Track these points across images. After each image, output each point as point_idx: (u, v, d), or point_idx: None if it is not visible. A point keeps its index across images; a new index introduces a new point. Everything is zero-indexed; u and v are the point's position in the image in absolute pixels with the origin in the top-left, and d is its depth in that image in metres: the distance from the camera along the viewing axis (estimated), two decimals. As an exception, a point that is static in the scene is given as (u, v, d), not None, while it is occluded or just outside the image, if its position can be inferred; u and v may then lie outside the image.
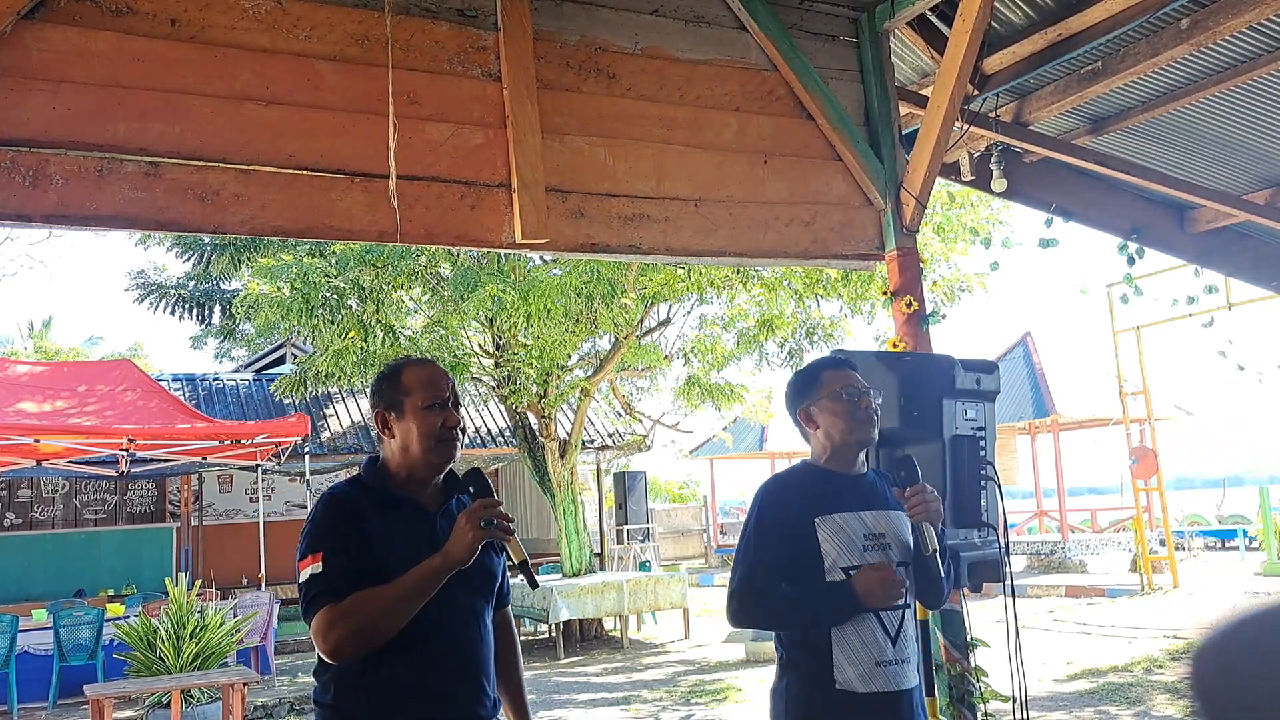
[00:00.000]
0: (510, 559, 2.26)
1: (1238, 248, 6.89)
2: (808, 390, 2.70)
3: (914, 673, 2.56)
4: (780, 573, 2.55)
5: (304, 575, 2.13)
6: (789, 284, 11.12)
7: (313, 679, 2.29)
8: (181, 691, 7.21)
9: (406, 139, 3.75)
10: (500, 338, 12.53)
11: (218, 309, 20.56)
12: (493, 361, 12.59)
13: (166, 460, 11.37)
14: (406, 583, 2.09)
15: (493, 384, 12.92)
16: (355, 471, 2.38)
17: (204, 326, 21.40)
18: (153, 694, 7.82)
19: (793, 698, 2.55)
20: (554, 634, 12.04)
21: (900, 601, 2.52)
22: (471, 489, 2.24)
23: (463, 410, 2.40)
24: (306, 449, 10.90)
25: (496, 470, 17.91)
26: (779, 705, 2.59)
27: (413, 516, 2.23)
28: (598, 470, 17.84)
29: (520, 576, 2.27)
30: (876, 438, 2.67)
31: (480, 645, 2.28)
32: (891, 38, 5.00)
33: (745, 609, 2.58)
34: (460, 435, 2.31)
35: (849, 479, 2.65)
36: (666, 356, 13.05)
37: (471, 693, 2.24)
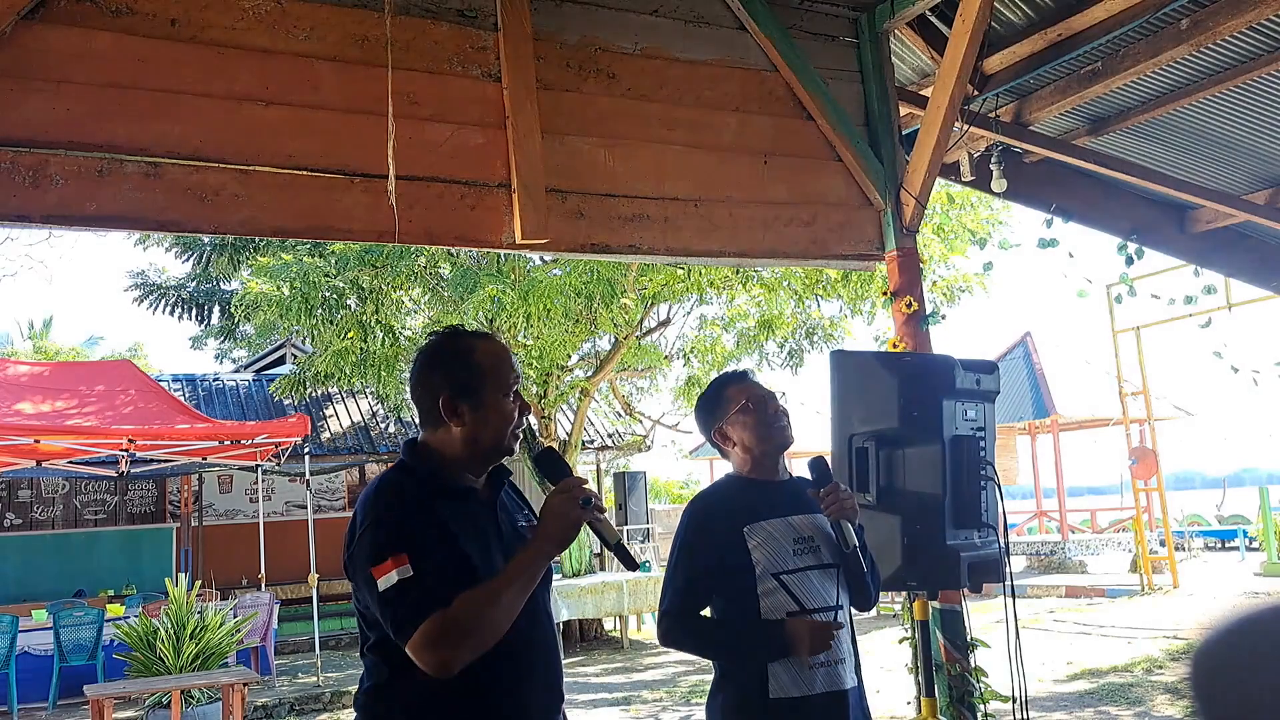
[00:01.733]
0: (605, 540, 2.01)
1: (1238, 248, 6.89)
2: (715, 409, 2.72)
3: (849, 673, 2.56)
4: (710, 587, 2.57)
5: (387, 583, 1.81)
6: (789, 284, 11.12)
7: (361, 710, 2.00)
8: (181, 692, 7.21)
9: (406, 139, 3.75)
10: (500, 338, 12.53)
11: (217, 309, 20.55)
12: (493, 362, 12.59)
13: (166, 460, 11.36)
14: (512, 575, 1.87)
15: (493, 384, 12.91)
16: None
17: (203, 327, 21.40)
18: (153, 694, 7.82)
19: (729, 710, 2.55)
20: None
21: (825, 593, 2.53)
22: (549, 470, 2.07)
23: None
24: (306, 449, 10.88)
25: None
26: (714, 715, 2.59)
27: (476, 509, 2.02)
28: (598, 470, 17.83)
29: (621, 562, 2.09)
30: (793, 439, 2.68)
31: (555, 647, 2.12)
32: (891, 38, 5.00)
33: (675, 633, 2.59)
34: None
35: (773, 486, 2.66)
36: (666, 357, 13.05)
37: (551, 697, 2.07)
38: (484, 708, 1.92)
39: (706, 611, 2.64)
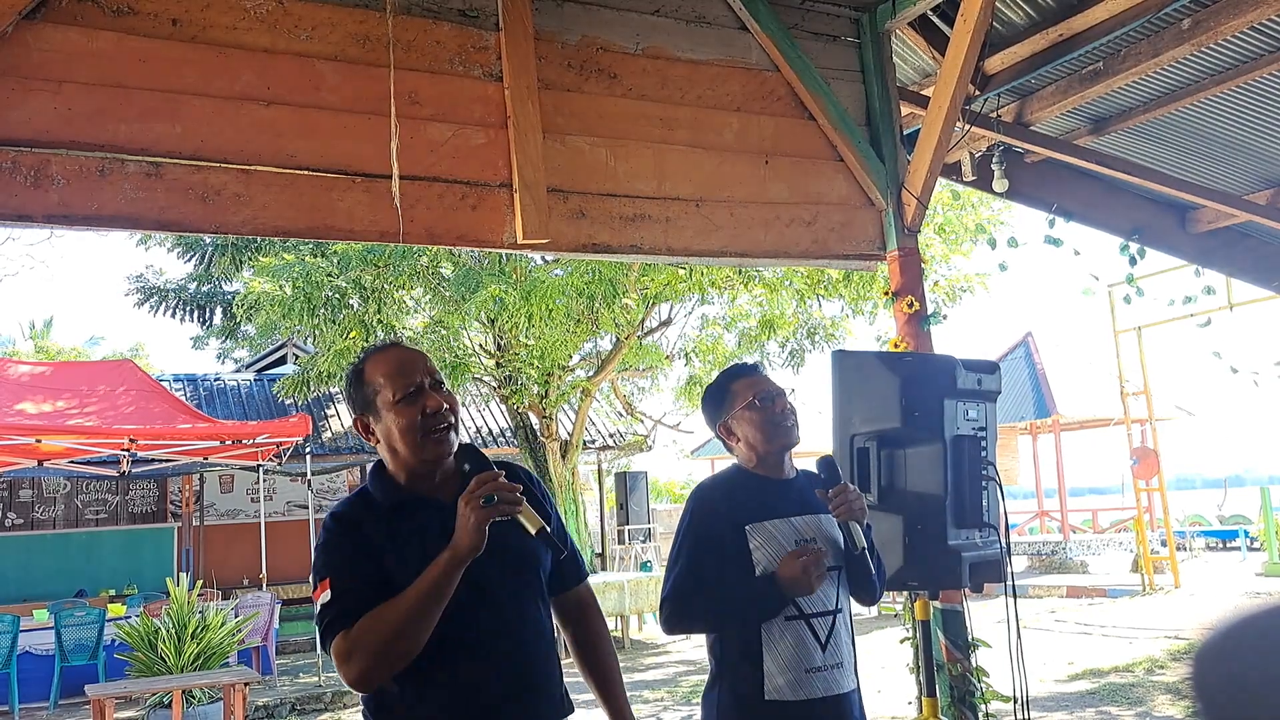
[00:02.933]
0: (527, 531, 1.95)
1: (1239, 248, 6.89)
2: (721, 404, 2.68)
3: (850, 678, 2.54)
4: (711, 577, 2.54)
5: (317, 605, 1.97)
6: (790, 284, 11.13)
7: (363, 705, 2.09)
8: (183, 692, 7.21)
9: (408, 139, 3.75)
10: (501, 338, 12.54)
11: (219, 310, 20.56)
12: (494, 362, 12.60)
13: (168, 460, 11.37)
14: (416, 590, 1.88)
15: (494, 384, 12.93)
16: (365, 469, 2.28)
17: (205, 328, 21.41)
18: (154, 694, 7.82)
19: (724, 708, 2.54)
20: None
21: (824, 596, 2.51)
22: (466, 466, 1.99)
23: (447, 388, 2.12)
24: (308, 449, 10.89)
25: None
26: (710, 715, 2.57)
27: (427, 517, 1.99)
28: (599, 470, 17.84)
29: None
30: (799, 439, 2.64)
31: (528, 643, 2.05)
32: (893, 38, 5.00)
33: (678, 615, 2.57)
34: (450, 418, 2.04)
35: (779, 484, 2.63)
36: (668, 356, 13.06)
37: (527, 694, 2.03)
38: (443, 702, 1.96)
39: None
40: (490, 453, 2.14)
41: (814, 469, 2.67)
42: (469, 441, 2.18)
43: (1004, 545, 3.43)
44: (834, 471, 2.59)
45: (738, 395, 2.65)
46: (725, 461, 2.82)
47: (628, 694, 2.32)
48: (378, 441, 2.08)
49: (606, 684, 2.25)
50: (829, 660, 2.50)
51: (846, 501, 2.51)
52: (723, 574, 2.53)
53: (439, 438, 2.02)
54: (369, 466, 2.22)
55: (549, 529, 1.97)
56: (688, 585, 2.53)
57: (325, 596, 1.94)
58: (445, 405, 2.04)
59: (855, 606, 2.71)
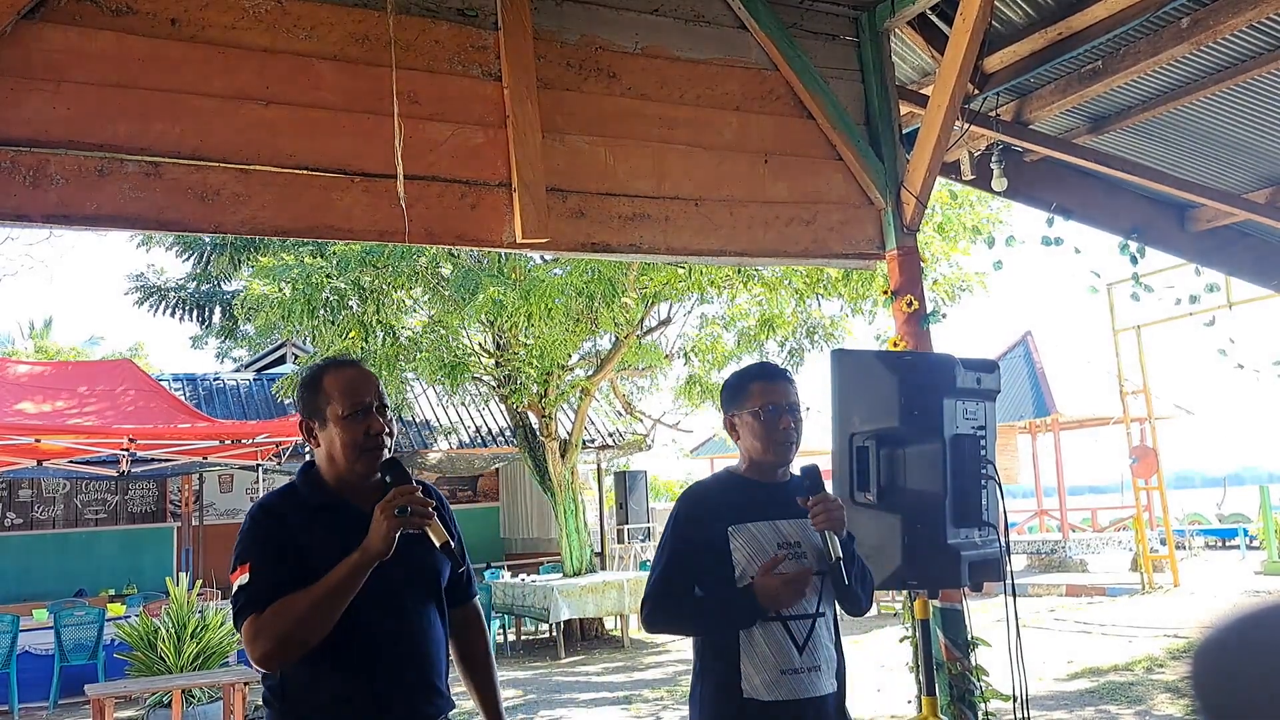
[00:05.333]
0: (433, 542, 2.17)
1: (1238, 246, 6.89)
2: (734, 399, 2.69)
3: (827, 681, 2.54)
4: (693, 578, 2.57)
5: (234, 586, 2.12)
6: (790, 283, 11.12)
7: (260, 682, 2.27)
8: (183, 691, 7.21)
9: (407, 138, 3.75)
10: (501, 337, 12.54)
11: (218, 309, 20.56)
12: (493, 361, 12.60)
13: (167, 460, 11.37)
14: (326, 584, 2.05)
15: (493, 383, 12.92)
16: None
17: (204, 327, 21.40)
18: (154, 694, 7.82)
19: (705, 704, 2.56)
20: (554, 633, 12.04)
21: (804, 601, 2.50)
22: (388, 478, 2.18)
23: (390, 412, 2.33)
24: (307, 449, 10.88)
25: (497, 470, 17.92)
26: (693, 711, 2.61)
27: (347, 521, 2.16)
28: (598, 470, 17.84)
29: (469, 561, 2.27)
30: (793, 458, 2.66)
31: (425, 643, 2.23)
32: (892, 37, 5.00)
33: (657, 614, 2.60)
34: (387, 441, 2.25)
35: (768, 487, 2.64)
36: (667, 356, 13.05)
37: (418, 691, 2.21)
38: (338, 694, 2.13)
39: None
40: (489, 452, 2.22)
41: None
42: (394, 456, 2.29)
43: (1003, 544, 3.44)
44: (816, 479, 2.59)
45: (751, 397, 2.64)
46: (724, 461, 2.83)
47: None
48: (318, 445, 2.26)
49: (486, 690, 2.45)
50: (806, 663, 2.50)
51: (825, 510, 2.50)
52: (702, 576, 2.55)
53: (373, 456, 2.22)
54: (299, 468, 2.37)
55: (451, 544, 2.18)
56: (667, 587, 2.57)
57: (243, 579, 2.10)
58: (386, 429, 2.25)
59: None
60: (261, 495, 2.29)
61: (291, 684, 2.15)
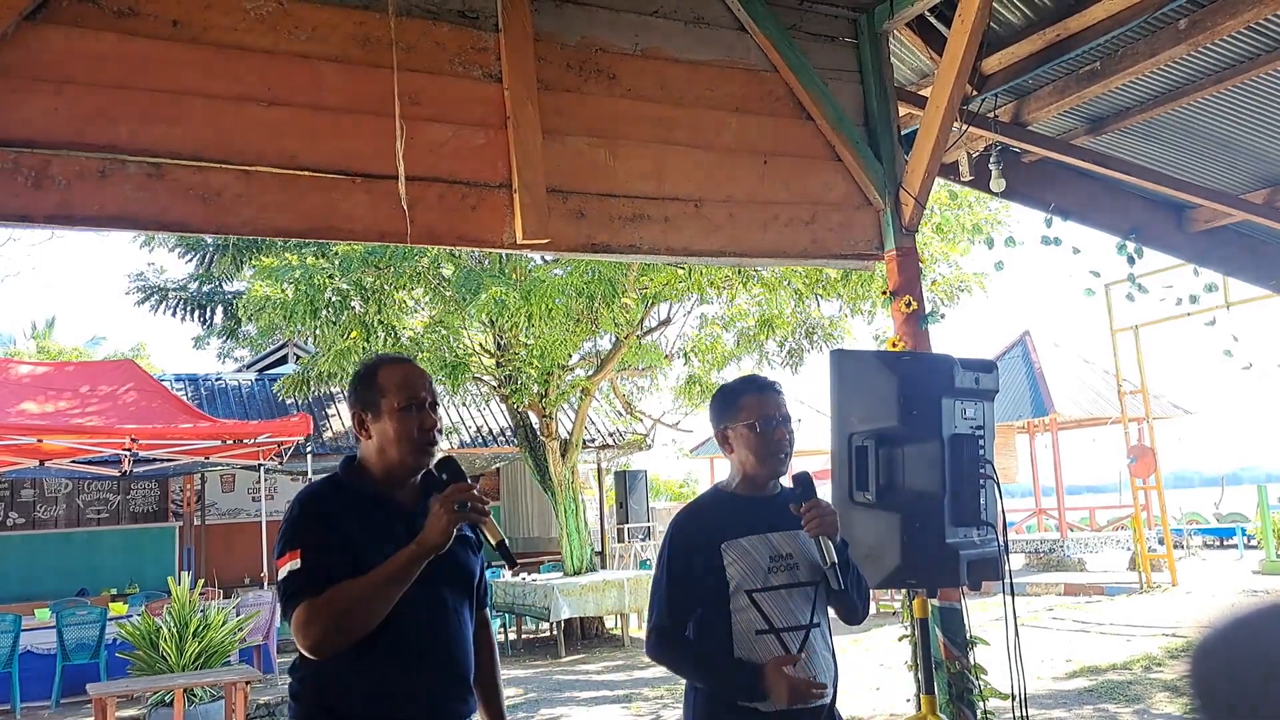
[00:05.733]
0: (488, 540, 2.22)
1: (1235, 247, 6.91)
2: (725, 411, 2.70)
3: (825, 691, 2.55)
4: (694, 605, 2.58)
5: (282, 572, 2.12)
6: (789, 284, 11.13)
7: (288, 675, 2.27)
8: (184, 690, 7.23)
9: (408, 140, 3.77)
10: (501, 337, 12.55)
11: (220, 310, 20.55)
12: (494, 361, 12.61)
13: (169, 460, 11.38)
14: (382, 572, 2.07)
15: (494, 383, 12.94)
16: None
17: (206, 327, 21.39)
18: (156, 693, 7.83)
19: (699, 708, 2.57)
20: (555, 632, 12.06)
21: (797, 612, 2.52)
22: (444, 475, 2.20)
23: (441, 410, 2.36)
24: (309, 448, 10.91)
25: (498, 469, 17.92)
26: (688, 713, 2.62)
27: (390, 515, 2.21)
28: (598, 469, 17.85)
29: (509, 562, 2.26)
30: (786, 470, 2.67)
31: (461, 641, 2.26)
32: (890, 38, 5.01)
33: (660, 651, 2.61)
34: (438, 437, 2.28)
35: (759, 501, 2.65)
36: (667, 356, 13.06)
37: (453, 687, 2.23)
38: (375, 686, 2.14)
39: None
40: (489, 452, 2.24)
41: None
42: (448, 454, 2.32)
43: (1002, 543, 3.45)
44: (808, 486, 2.59)
45: (744, 410, 2.65)
46: (724, 461, 2.83)
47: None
48: (369, 438, 2.27)
49: (494, 694, 2.48)
50: (800, 674, 2.51)
51: (818, 516, 2.52)
52: (702, 595, 2.56)
53: (424, 451, 2.25)
54: (341, 461, 2.38)
55: (506, 543, 2.20)
56: (672, 619, 2.58)
57: (294, 565, 2.10)
58: (437, 426, 2.28)
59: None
60: (305, 486, 2.29)
61: (326, 676, 2.15)
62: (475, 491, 2.15)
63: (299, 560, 2.10)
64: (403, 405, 2.22)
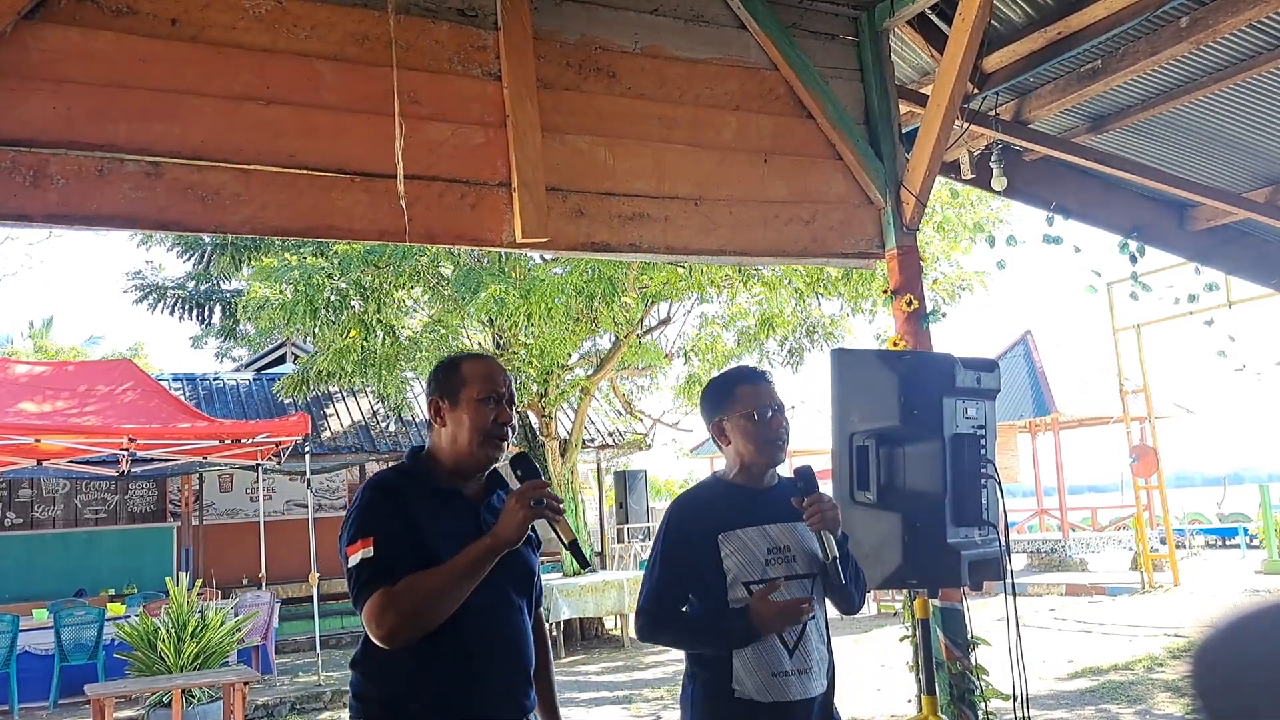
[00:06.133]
0: (561, 539, 2.23)
1: (1237, 246, 6.89)
2: (720, 404, 2.70)
3: (819, 681, 2.56)
4: (686, 589, 2.59)
5: (354, 560, 2.09)
6: (789, 282, 11.12)
7: (350, 670, 2.25)
8: (182, 691, 7.21)
9: (407, 138, 3.75)
10: (501, 337, 12.54)
11: (218, 309, 20.53)
12: (493, 360, 12.60)
13: (167, 460, 11.36)
14: (458, 564, 2.08)
15: (493, 383, 12.92)
16: (365, 467, 2.37)
17: (204, 326, 21.37)
18: (154, 693, 7.82)
19: (697, 704, 2.58)
20: (555, 633, 12.04)
21: (801, 621, 2.52)
22: (519, 472, 2.24)
23: (515, 410, 2.40)
24: (307, 448, 10.89)
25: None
26: (685, 711, 2.62)
27: (458, 508, 2.23)
28: (598, 469, 17.85)
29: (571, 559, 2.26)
30: (785, 458, 2.68)
31: (525, 636, 2.29)
32: (891, 36, 5.00)
33: (651, 628, 2.62)
34: (510, 433, 2.31)
35: (757, 492, 2.65)
36: (667, 355, 13.06)
37: (518, 683, 2.25)
38: (440, 685, 2.13)
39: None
40: None
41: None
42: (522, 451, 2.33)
43: (1003, 543, 3.44)
44: (810, 480, 2.59)
45: (738, 400, 2.65)
46: (723, 461, 2.82)
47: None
48: (443, 425, 2.28)
49: (549, 693, 2.48)
50: (796, 665, 2.52)
51: (820, 510, 2.51)
52: (695, 585, 2.57)
53: (496, 444, 2.27)
54: (409, 451, 2.37)
55: (579, 542, 2.25)
56: (660, 601, 2.59)
57: (366, 553, 2.08)
58: (511, 421, 2.31)
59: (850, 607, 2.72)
60: (374, 474, 2.30)
61: (394, 670, 2.14)
62: (549, 489, 2.17)
63: (371, 548, 2.09)
64: (481, 397, 2.25)
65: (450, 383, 2.29)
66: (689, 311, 13.13)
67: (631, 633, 12.66)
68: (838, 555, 2.52)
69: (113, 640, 9.37)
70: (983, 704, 4.29)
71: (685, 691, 2.64)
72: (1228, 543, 21.49)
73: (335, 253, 10.93)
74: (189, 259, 19.50)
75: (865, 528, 3.36)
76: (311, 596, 10.71)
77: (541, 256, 10.73)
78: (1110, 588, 14.58)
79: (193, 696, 7.90)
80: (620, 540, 17.01)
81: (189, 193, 3.45)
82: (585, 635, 13.07)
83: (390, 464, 2.31)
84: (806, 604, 2.51)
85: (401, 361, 11.84)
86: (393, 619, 2.04)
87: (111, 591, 13.98)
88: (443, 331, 11.81)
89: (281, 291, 10.87)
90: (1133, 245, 6.61)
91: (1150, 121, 5.69)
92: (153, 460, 11.31)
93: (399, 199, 3.70)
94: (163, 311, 20.77)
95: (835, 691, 2.65)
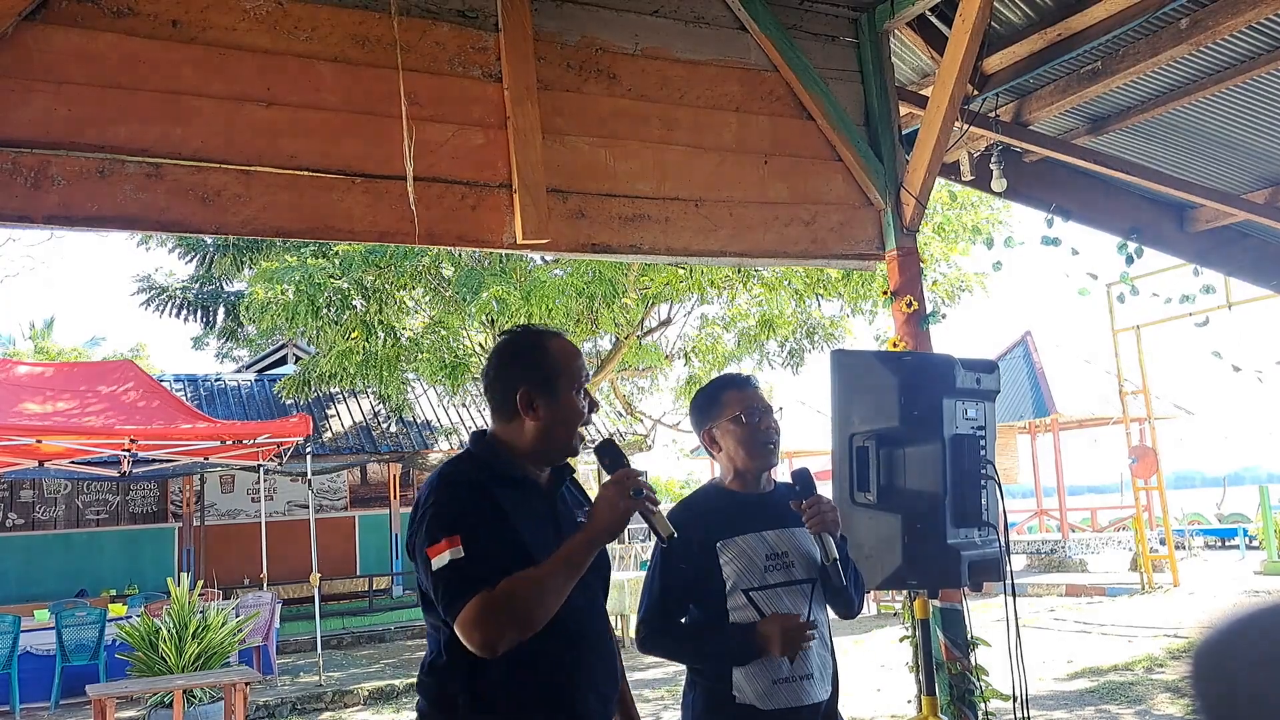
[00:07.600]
0: (658, 534, 2.08)
1: (1237, 247, 6.90)
2: (709, 412, 2.70)
3: (820, 688, 2.55)
4: (686, 599, 2.58)
5: (439, 562, 1.88)
6: (789, 284, 11.13)
7: (424, 679, 2.05)
8: (184, 691, 7.22)
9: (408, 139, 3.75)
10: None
11: (220, 310, 20.53)
12: (494, 361, 12.60)
13: (168, 461, 11.37)
14: (559, 560, 1.90)
15: (494, 384, 12.92)
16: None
17: (206, 328, 21.37)
18: (155, 694, 7.83)
19: (698, 711, 2.58)
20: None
21: (807, 647, 2.51)
22: (607, 460, 2.09)
23: None
24: (308, 449, 10.89)
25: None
26: (687, 717, 2.62)
27: (533, 496, 2.07)
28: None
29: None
30: (778, 461, 2.67)
31: (611, 634, 2.18)
32: (891, 38, 5.01)
33: (652, 640, 2.61)
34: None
35: (754, 499, 2.65)
36: (667, 356, 13.06)
37: (612, 677, 2.13)
38: (538, 687, 1.97)
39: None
40: None
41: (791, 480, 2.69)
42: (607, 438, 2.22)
43: (1003, 544, 3.44)
44: (808, 483, 2.59)
45: (726, 406, 2.66)
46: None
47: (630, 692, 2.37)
48: (536, 420, 2.07)
49: (626, 691, 2.35)
50: (796, 672, 2.51)
51: (820, 513, 2.51)
52: (695, 594, 2.57)
53: (581, 436, 2.13)
54: (472, 436, 2.19)
55: (676, 536, 2.09)
56: (662, 613, 2.58)
57: (456, 553, 1.88)
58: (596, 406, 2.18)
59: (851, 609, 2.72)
60: (438, 467, 2.12)
61: (489, 677, 1.95)
62: (644, 478, 2.00)
63: (461, 547, 1.88)
64: (578, 387, 2.11)
65: (543, 371, 2.09)
66: (689, 313, 13.14)
67: (631, 633, 12.66)
68: (837, 557, 2.52)
69: (114, 641, 9.38)
70: (983, 704, 4.29)
71: (686, 698, 2.64)
72: (1227, 543, 21.49)
73: (336, 253, 10.94)
74: (190, 260, 19.50)
75: (865, 528, 3.37)
76: (313, 597, 10.71)
77: (542, 258, 10.73)
78: (1110, 588, 14.57)
79: (194, 697, 7.91)
80: (620, 541, 16.99)
81: (190, 194, 3.46)
82: (586, 636, 13.06)
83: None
84: (813, 630, 2.51)
85: (402, 362, 11.84)
86: (496, 625, 1.85)
87: (113, 592, 13.99)
88: (443, 333, 11.82)
89: (283, 292, 10.88)
90: (1132, 246, 6.61)
91: (1150, 123, 5.70)
92: (154, 461, 11.31)
93: (409, 200, 3.71)
94: (168, 314, 20.78)
95: (839, 697, 2.65)
